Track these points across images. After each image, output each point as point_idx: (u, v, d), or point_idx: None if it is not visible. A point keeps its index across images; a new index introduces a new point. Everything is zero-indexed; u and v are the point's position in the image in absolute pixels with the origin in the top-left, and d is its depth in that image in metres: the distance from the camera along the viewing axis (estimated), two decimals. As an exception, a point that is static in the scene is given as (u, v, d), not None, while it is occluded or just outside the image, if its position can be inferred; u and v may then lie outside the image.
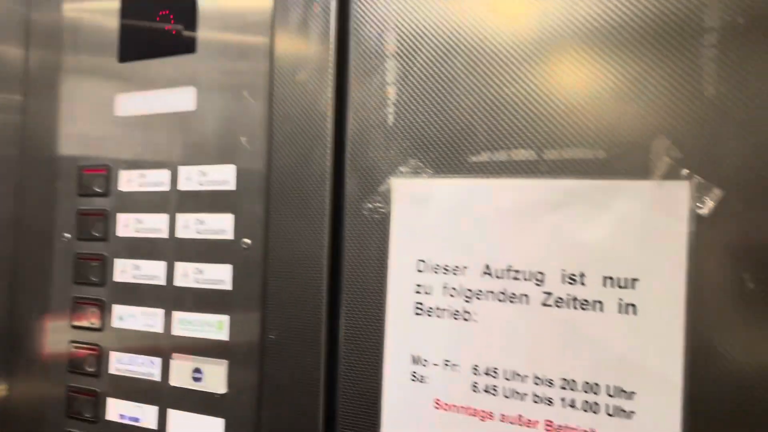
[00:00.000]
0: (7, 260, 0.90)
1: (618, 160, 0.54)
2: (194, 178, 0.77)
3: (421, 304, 0.61)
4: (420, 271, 0.62)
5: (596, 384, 0.53)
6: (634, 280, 0.52)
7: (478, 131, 0.60)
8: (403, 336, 0.62)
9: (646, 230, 0.52)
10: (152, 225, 0.79)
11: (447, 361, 0.60)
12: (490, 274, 0.58)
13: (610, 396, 0.52)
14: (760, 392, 0.48)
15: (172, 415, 0.76)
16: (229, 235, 0.74)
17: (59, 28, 0.89)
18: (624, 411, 0.52)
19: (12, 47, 0.91)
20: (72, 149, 0.87)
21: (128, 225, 0.81)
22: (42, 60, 0.90)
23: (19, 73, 0.92)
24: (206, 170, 0.76)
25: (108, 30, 0.85)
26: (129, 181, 0.82)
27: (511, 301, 0.57)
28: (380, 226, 0.65)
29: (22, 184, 0.90)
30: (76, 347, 0.84)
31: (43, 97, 0.90)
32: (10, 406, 0.89)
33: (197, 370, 0.74)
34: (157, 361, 0.78)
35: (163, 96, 0.80)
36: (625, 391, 0.52)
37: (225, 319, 0.73)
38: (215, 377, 0.73)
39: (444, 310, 0.60)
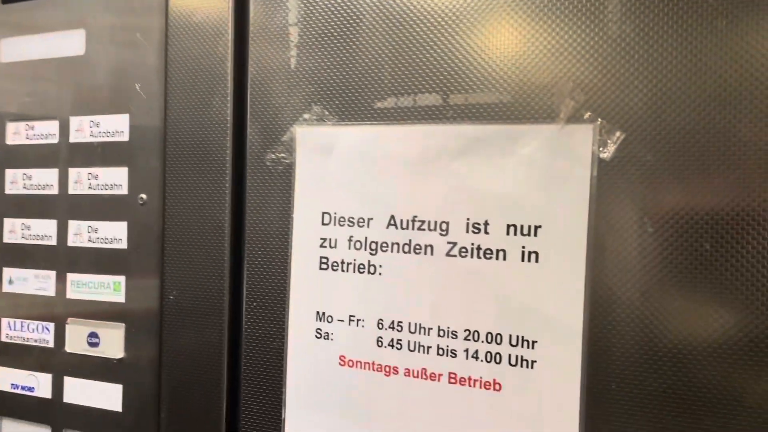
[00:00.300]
0: None
1: (523, 104, 0.52)
2: (86, 129, 0.71)
3: (326, 258, 0.58)
4: (325, 224, 0.59)
5: (499, 334, 0.51)
6: (537, 227, 0.50)
7: (383, 75, 0.57)
8: (307, 292, 0.59)
9: (550, 175, 0.50)
10: (42, 181, 0.73)
11: (352, 316, 0.57)
12: (395, 225, 0.55)
13: (513, 346, 0.51)
14: (660, 337, 0.48)
15: (69, 382, 0.71)
16: (124, 190, 0.69)
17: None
18: (526, 360, 0.51)
19: None
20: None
21: (16, 181, 0.75)
22: None
23: None
24: (99, 120, 0.70)
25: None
26: (16, 134, 0.75)
27: (416, 253, 0.55)
28: (284, 177, 0.61)
29: None
30: (-37, 315, 0.77)
31: None
32: None
33: (93, 335, 0.70)
34: (51, 326, 0.72)
35: (51, 40, 0.73)
36: (527, 341, 0.51)
37: (121, 279, 0.68)
38: (112, 342, 0.68)
39: (349, 263, 0.57)
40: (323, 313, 0.58)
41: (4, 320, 0.75)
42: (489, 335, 0.52)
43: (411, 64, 0.56)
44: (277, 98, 0.62)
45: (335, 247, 0.58)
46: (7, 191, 0.75)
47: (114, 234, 0.69)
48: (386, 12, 0.57)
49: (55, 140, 0.72)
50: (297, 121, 0.61)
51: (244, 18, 0.64)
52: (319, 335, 0.59)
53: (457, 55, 0.54)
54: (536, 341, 0.50)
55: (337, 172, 0.58)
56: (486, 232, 0.52)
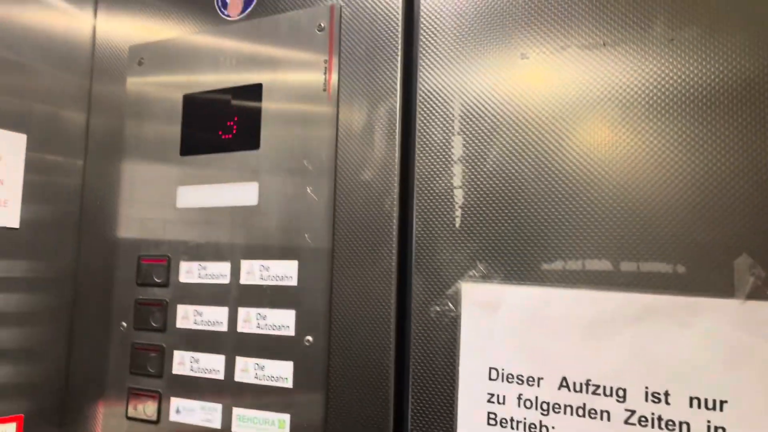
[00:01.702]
0: (63, 341, 0.91)
1: (699, 275, 0.54)
2: (256, 272, 0.77)
3: (494, 414, 0.60)
4: (492, 379, 0.61)
5: None
6: (723, 402, 0.51)
7: (550, 238, 0.61)
8: (475, 446, 0.61)
9: (733, 350, 0.51)
10: (212, 317, 0.80)
11: (523, 475, 0.58)
12: (567, 387, 0.57)
13: None
14: None
15: None
16: (291, 331, 0.74)
17: (121, 102, 0.91)
18: None
19: (74, 115, 0.93)
20: (132, 234, 0.88)
21: (187, 316, 0.82)
22: (103, 129, 0.93)
23: (80, 140, 0.94)
24: (268, 265, 0.77)
25: (171, 106, 0.87)
26: (189, 273, 0.83)
27: (591, 417, 0.56)
28: (449, 329, 0.65)
29: (81, 265, 0.92)
30: (131, 439, 0.83)
31: (103, 166, 0.92)
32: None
33: (257, 470, 0.73)
34: (216, 457, 0.77)
35: (226, 190, 0.81)
36: None
37: (286, 418, 0.73)
38: (276, 479, 0.72)
39: (519, 422, 0.59)
40: (492, 469, 0.60)
41: (170, 448, 0.80)
42: None
43: (579, 228, 0.59)
44: (442, 254, 0.66)
45: (504, 403, 0.60)
46: (178, 325, 0.82)
47: (280, 372, 0.74)
48: (552, 177, 0.61)
49: (226, 281, 0.79)
50: (462, 276, 0.64)
51: (409, 179, 0.69)
52: (488, 492, 0.60)
53: (628, 223, 0.57)
54: None
55: (504, 329, 0.61)
56: (667, 403, 0.53)
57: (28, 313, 0.87)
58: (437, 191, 0.67)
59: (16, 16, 0.86)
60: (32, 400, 0.87)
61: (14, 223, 0.86)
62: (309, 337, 0.73)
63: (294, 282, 0.75)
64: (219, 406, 0.77)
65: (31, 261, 0.88)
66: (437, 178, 0.67)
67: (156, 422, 0.82)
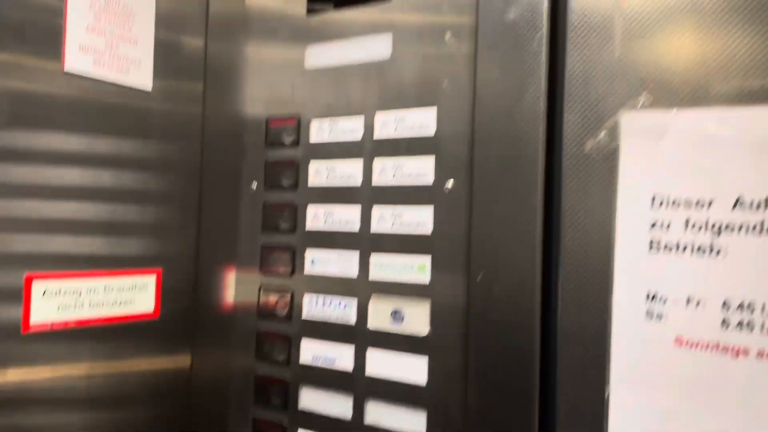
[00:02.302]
0: (193, 209, 0.94)
1: None
2: (391, 124, 0.77)
3: (657, 240, 0.59)
4: (655, 207, 0.60)
5: None
6: None
7: (722, 60, 0.58)
8: (635, 273, 0.60)
9: None
10: (346, 172, 0.81)
11: (690, 297, 0.57)
12: (742, 205, 0.55)
13: None
14: None
15: (372, 353, 0.77)
16: (430, 179, 0.74)
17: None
18: None
19: None
20: (260, 100, 0.89)
21: (320, 173, 0.83)
22: (226, 12, 0.93)
23: (201, 22, 0.94)
24: (404, 116, 0.76)
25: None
26: (320, 130, 0.83)
27: (770, 233, 0.54)
28: (605, 163, 0.63)
29: (208, 135, 0.94)
30: (266, 292, 0.86)
31: (228, 49, 0.92)
32: (201, 351, 0.93)
33: (396, 312, 0.75)
34: (353, 302, 0.79)
35: (356, 45, 0.81)
36: None
37: (427, 260, 0.73)
38: (417, 318, 0.73)
39: (686, 245, 0.58)
40: (654, 295, 0.59)
41: (307, 296, 0.83)
42: None
43: (757, 45, 0.56)
44: (598, 87, 0.64)
45: (668, 229, 0.59)
46: (310, 184, 0.84)
47: (419, 219, 0.74)
48: (724, -3, 0.58)
49: (358, 136, 0.80)
50: (622, 107, 0.62)
51: (558, 15, 0.67)
52: (649, 316, 0.59)
53: (818, 33, 0.53)
54: None
55: (669, 157, 0.59)
56: None
57: (160, 187, 0.89)
58: (592, 24, 0.64)
59: None
60: (169, 264, 0.91)
61: (147, 85, 0.88)
62: (448, 185, 0.73)
63: (431, 131, 0.74)
64: (356, 254, 0.79)
65: (161, 134, 0.89)
66: (593, 11, 0.64)
67: (290, 274, 0.84)
